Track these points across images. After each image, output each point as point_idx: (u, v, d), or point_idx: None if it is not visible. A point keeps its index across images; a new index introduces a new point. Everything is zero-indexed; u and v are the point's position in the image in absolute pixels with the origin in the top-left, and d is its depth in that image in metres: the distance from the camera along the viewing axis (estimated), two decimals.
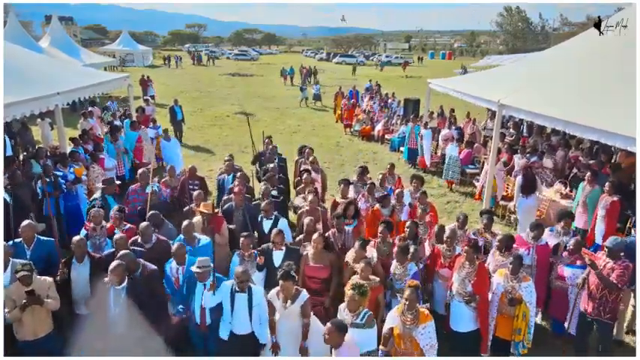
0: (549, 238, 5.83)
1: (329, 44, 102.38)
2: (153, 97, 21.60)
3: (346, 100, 19.36)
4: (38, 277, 4.46)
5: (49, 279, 4.54)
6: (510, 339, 4.90)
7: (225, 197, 7.02)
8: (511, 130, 13.08)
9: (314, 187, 7.35)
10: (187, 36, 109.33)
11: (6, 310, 4.26)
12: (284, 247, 5.29)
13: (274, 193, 7.21)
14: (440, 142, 13.06)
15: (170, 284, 4.93)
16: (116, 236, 5.14)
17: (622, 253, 5.04)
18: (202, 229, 5.77)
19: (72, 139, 9.92)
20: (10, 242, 5.03)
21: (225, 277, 4.87)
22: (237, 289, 4.46)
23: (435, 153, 13.25)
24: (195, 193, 6.52)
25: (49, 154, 9.47)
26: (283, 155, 9.66)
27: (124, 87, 12.68)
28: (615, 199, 6.78)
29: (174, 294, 4.94)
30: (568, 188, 8.70)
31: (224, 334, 4.59)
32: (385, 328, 4.38)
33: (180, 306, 4.70)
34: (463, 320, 4.98)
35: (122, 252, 4.67)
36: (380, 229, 5.67)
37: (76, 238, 4.91)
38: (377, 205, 6.73)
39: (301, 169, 8.36)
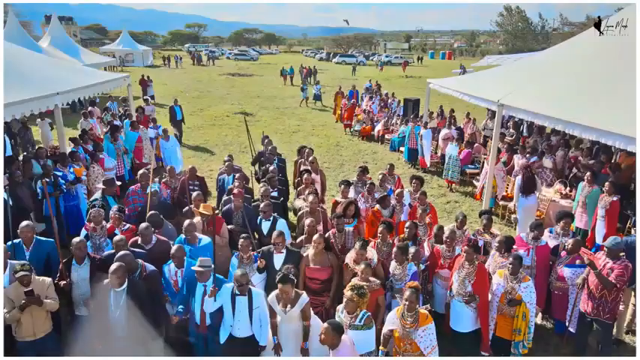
0: (549, 239, 5.83)
1: (329, 44, 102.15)
2: (152, 97, 21.59)
3: (346, 100, 19.35)
4: (37, 277, 4.45)
5: (48, 279, 4.53)
6: (511, 339, 4.90)
7: (224, 198, 7.02)
8: (511, 130, 13.08)
9: (314, 188, 7.35)
10: (187, 36, 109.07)
11: (5, 310, 4.25)
12: (284, 250, 5.27)
13: (274, 194, 7.21)
14: (439, 142, 13.06)
15: (169, 286, 4.91)
16: (116, 237, 5.13)
17: (622, 253, 5.05)
18: (202, 230, 5.77)
19: (72, 139, 9.92)
20: (9, 243, 5.02)
21: (225, 279, 4.87)
22: (237, 292, 4.45)
23: (435, 153, 13.25)
24: (193, 194, 6.52)
25: (48, 154, 9.48)
26: (283, 155, 9.67)
27: (124, 87, 12.69)
28: (615, 199, 6.79)
29: (172, 296, 4.92)
30: (568, 188, 8.71)
31: (223, 338, 4.58)
32: (385, 330, 4.38)
33: (180, 307, 4.69)
34: (463, 320, 4.99)
35: (121, 253, 4.66)
36: (380, 229, 5.67)
37: (75, 240, 4.90)
38: (377, 206, 6.73)
39: (301, 169, 8.35)
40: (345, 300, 4.25)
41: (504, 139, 11.23)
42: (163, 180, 7.75)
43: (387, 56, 62.87)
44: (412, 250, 5.25)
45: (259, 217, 6.18)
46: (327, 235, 5.74)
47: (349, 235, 5.75)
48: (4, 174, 7.16)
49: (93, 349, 4.31)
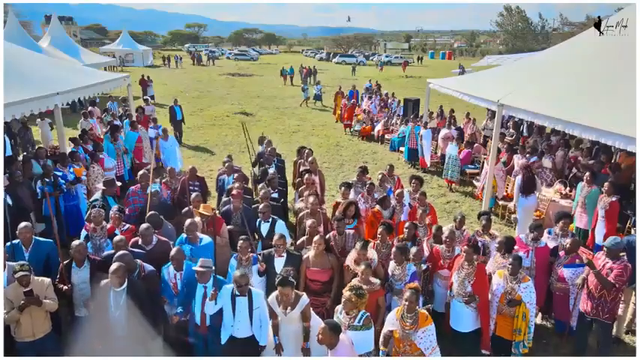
0: (548, 240, 5.82)
1: (329, 44, 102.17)
2: (152, 97, 21.59)
3: (346, 100, 19.35)
4: (36, 277, 4.44)
5: (47, 280, 4.53)
6: (511, 339, 4.90)
7: (224, 199, 7.02)
8: (511, 130, 13.08)
9: (315, 189, 7.34)
10: (187, 36, 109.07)
11: (4, 311, 4.25)
12: (285, 254, 5.25)
13: (274, 195, 7.20)
14: (439, 142, 13.07)
15: (168, 289, 4.90)
16: (116, 238, 5.13)
17: (622, 253, 5.05)
18: (202, 230, 5.77)
19: (72, 139, 9.92)
20: (8, 244, 5.02)
21: (224, 280, 4.87)
22: (237, 292, 4.45)
23: (435, 153, 13.25)
24: (192, 195, 6.52)
25: (48, 154, 9.49)
26: (283, 156, 9.67)
27: (124, 87, 12.68)
28: (614, 199, 6.78)
29: (171, 298, 4.91)
30: (568, 188, 8.71)
31: (224, 339, 4.58)
32: (385, 330, 4.38)
33: (180, 308, 4.69)
34: (463, 320, 4.99)
35: (120, 252, 4.66)
36: (379, 230, 5.67)
37: (75, 243, 4.88)
38: (377, 207, 6.73)
39: (301, 169, 8.34)
40: (343, 300, 4.25)
41: (504, 139, 11.23)
42: (163, 180, 7.75)
43: (387, 56, 62.87)
44: (413, 250, 5.25)
45: (258, 220, 6.17)
46: (327, 236, 5.74)
47: (349, 237, 5.74)
48: (4, 174, 7.16)
49: (93, 349, 4.31)
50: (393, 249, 5.18)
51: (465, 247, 4.96)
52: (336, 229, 5.75)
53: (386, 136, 15.87)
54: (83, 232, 5.75)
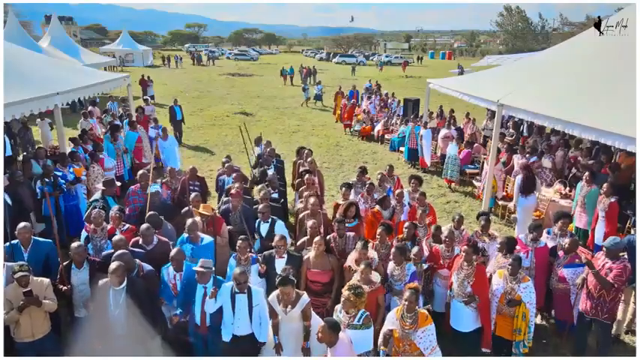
0: (547, 240, 5.82)
1: (329, 44, 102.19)
2: (152, 97, 21.59)
3: (346, 100, 19.35)
4: (35, 278, 4.44)
5: (47, 280, 4.53)
6: (511, 339, 4.90)
7: (224, 199, 7.02)
8: (511, 130, 13.08)
9: (316, 189, 7.34)
10: (187, 36, 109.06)
11: (3, 311, 4.25)
12: (286, 255, 5.25)
13: (274, 196, 7.20)
14: (439, 142, 13.07)
15: (167, 289, 4.89)
16: (115, 237, 5.13)
17: (622, 253, 5.05)
18: (202, 230, 5.77)
19: (71, 139, 9.92)
20: (7, 244, 5.02)
21: (224, 280, 4.87)
22: (236, 290, 4.46)
23: (435, 153, 13.25)
24: (192, 195, 6.52)
25: (48, 154, 9.49)
26: (283, 156, 9.66)
27: (124, 87, 12.68)
28: (613, 200, 6.78)
29: (170, 299, 4.91)
30: (567, 188, 8.71)
31: (227, 337, 4.58)
32: (385, 329, 4.38)
33: (179, 309, 4.68)
34: (463, 320, 4.99)
35: (119, 252, 4.66)
36: (378, 231, 5.67)
37: (74, 244, 4.88)
38: (377, 207, 6.73)
39: (301, 170, 8.34)
40: (342, 299, 4.25)
41: (504, 139, 11.23)
42: (163, 180, 7.75)
43: (387, 56, 62.85)
44: (414, 250, 5.25)
45: (258, 220, 6.17)
46: (327, 237, 5.75)
47: (349, 239, 5.74)
48: (4, 174, 7.16)
49: (93, 349, 4.31)
50: (393, 249, 5.19)
51: (465, 247, 4.96)
52: (337, 231, 5.75)
53: (386, 136, 15.87)
54: (83, 233, 5.75)
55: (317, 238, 5.22)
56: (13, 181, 7.01)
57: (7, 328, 4.38)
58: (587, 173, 7.51)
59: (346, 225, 5.91)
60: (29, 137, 11.99)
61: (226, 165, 8.14)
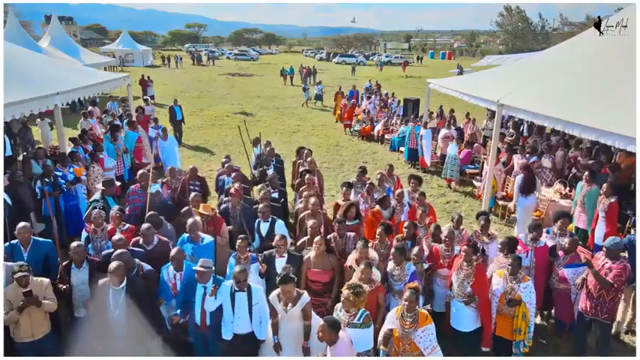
0: (546, 239, 5.82)
1: (329, 44, 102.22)
2: (152, 97, 21.60)
3: (346, 100, 19.35)
4: (35, 278, 4.44)
5: (46, 280, 4.53)
6: (511, 339, 4.90)
7: (224, 199, 7.02)
8: (511, 130, 13.09)
9: (316, 189, 7.34)
10: (187, 36, 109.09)
11: (3, 311, 4.25)
12: (286, 255, 5.26)
13: (275, 195, 7.20)
14: (439, 141, 13.07)
15: (167, 289, 4.89)
16: (115, 237, 5.13)
17: (622, 253, 5.04)
18: (202, 230, 5.77)
19: (71, 139, 9.93)
20: (7, 244, 5.02)
21: (223, 279, 4.87)
22: (236, 289, 4.47)
23: (435, 153, 13.26)
24: (191, 195, 6.52)
25: (48, 154, 9.49)
26: (282, 156, 9.65)
27: (124, 87, 12.68)
28: (613, 200, 6.78)
29: (169, 298, 4.90)
30: (567, 188, 8.71)
31: (227, 335, 4.59)
32: (385, 329, 4.38)
33: (178, 310, 4.68)
34: (464, 319, 4.98)
35: (118, 251, 4.66)
36: (378, 231, 5.67)
37: (74, 244, 4.88)
38: (377, 207, 6.73)
39: (301, 170, 8.34)
40: (342, 299, 4.26)
41: (504, 139, 11.23)
42: (164, 180, 7.76)
43: (387, 56, 62.86)
44: (415, 250, 5.25)
45: (257, 219, 6.17)
46: (328, 237, 5.75)
47: (350, 240, 5.74)
48: (4, 174, 7.16)
49: (93, 349, 4.31)
50: (392, 249, 5.19)
51: (465, 247, 4.95)
52: (337, 231, 5.75)
53: (386, 136, 15.87)
54: (84, 234, 5.75)
55: (317, 238, 5.22)
56: (13, 181, 7.01)
57: (6, 329, 4.37)
58: (586, 173, 7.51)
59: (346, 224, 5.91)
60: (29, 137, 11.99)
61: (226, 165, 8.14)
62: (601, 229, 6.88)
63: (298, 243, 5.87)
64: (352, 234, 5.83)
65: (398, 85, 32.87)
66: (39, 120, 12.46)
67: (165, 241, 5.47)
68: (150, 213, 5.76)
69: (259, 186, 7.27)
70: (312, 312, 4.56)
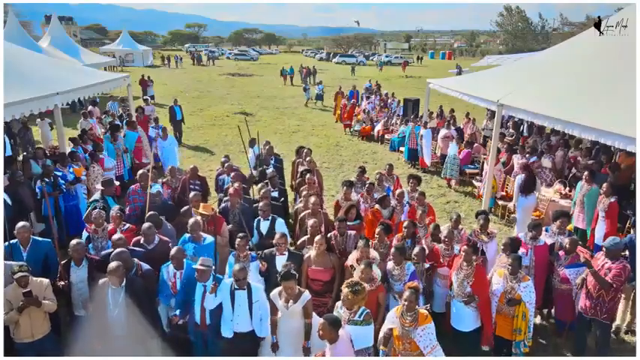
0: (545, 237, 5.83)
1: (329, 44, 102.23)
2: (152, 97, 21.60)
3: (346, 100, 19.35)
4: (35, 278, 4.44)
5: (46, 280, 4.52)
6: (511, 339, 4.90)
7: (224, 199, 7.02)
8: (511, 130, 13.09)
9: (317, 189, 7.34)
10: (187, 36, 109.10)
11: (3, 312, 4.25)
12: (286, 252, 5.27)
13: (275, 194, 7.20)
14: (439, 141, 13.07)
15: (166, 288, 4.89)
16: (115, 236, 5.14)
17: (623, 253, 5.04)
18: (202, 230, 5.77)
19: (71, 139, 9.93)
20: (6, 244, 5.02)
21: (223, 277, 4.87)
22: (236, 286, 4.47)
23: (435, 153, 13.26)
24: (191, 194, 6.52)
25: (48, 154, 9.49)
26: (282, 156, 9.64)
27: (124, 87, 12.68)
28: (613, 200, 6.78)
29: (168, 297, 4.90)
30: (567, 188, 8.71)
31: (227, 333, 4.59)
32: (384, 329, 4.38)
33: (178, 310, 4.68)
34: (464, 319, 4.98)
35: (117, 250, 4.66)
36: (377, 230, 5.67)
37: (73, 242, 4.88)
38: (377, 206, 6.74)
39: (301, 170, 8.34)
40: (342, 297, 4.27)
41: (504, 139, 11.24)
42: (164, 180, 7.76)
43: (387, 56, 62.86)
44: (416, 249, 5.25)
45: (257, 218, 6.17)
46: (328, 235, 5.76)
47: (350, 238, 5.75)
48: (4, 174, 7.16)
49: (93, 349, 4.31)
50: (392, 249, 5.18)
51: (464, 247, 4.95)
52: (338, 230, 5.76)
53: (386, 136, 15.87)
54: (84, 234, 5.76)
55: (318, 237, 5.22)
56: (13, 181, 7.00)
57: (6, 329, 4.37)
58: (586, 173, 7.52)
59: (347, 224, 5.91)
60: (29, 137, 11.99)
61: (226, 165, 8.15)
62: (601, 229, 6.88)
63: (298, 242, 5.88)
64: (353, 232, 5.83)
65: (398, 85, 32.87)
66: (39, 120, 12.46)
67: (166, 240, 5.47)
68: (150, 213, 5.76)
69: (259, 185, 7.27)
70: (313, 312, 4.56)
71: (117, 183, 7.90)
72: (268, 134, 15.24)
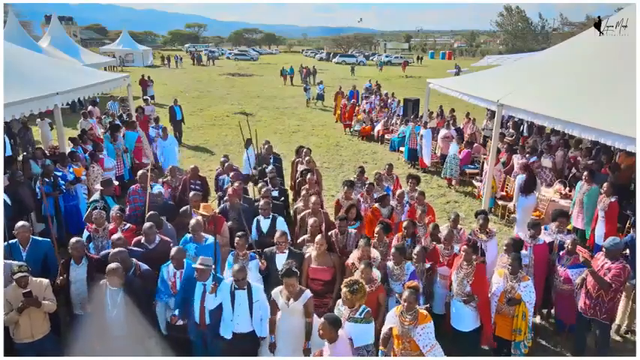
0: (544, 236, 5.83)
1: (329, 44, 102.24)
2: (152, 97, 21.59)
3: (346, 100, 19.35)
4: (34, 278, 4.44)
5: (46, 281, 4.53)
6: (510, 339, 4.90)
7: (224, 198, 7.02)
8: (510, 130, 13.09)
9: (317, 189, 7.34)
10: (187, 36, 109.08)
11: (3, 312, 4.24)
12: (287, 250, 5.27)
13: (275, 193, 7.20)
14: (439, 141, 13.07)
15: (166, 288, 4.89)
16: (114, 236, 5.14)
17: (625, 251, 5.04)
18: (203, 230, 5.77)
19: (71, 139, 9.93)
20: (5, 244, 5.02)
21: (223, 277, 4.87)
22: (236, 286, 4.47)
23: (435, 153, 13.26)
24: (190, 194, 6.52)
25: (48, 154, 9.49)
26: (282, 155, 9.63)
27: (124, 87, 12.68)
28: (613, 200, 6.78)
29: (167, 298, 4.90)
30: (567, 188, 8.71)
31: (227, 334, 4.59)
32: (385, 329, 4.38)
33: (177, 310, 4.68)
34: (464, 319, 4.98)
35: (115, 250, 4.66)
36: (376, 229, 5.67)
37: (73, 240, 4.88)
38: (376, 205, 6.74)
39: (301, 169, 8.34)
40: (341, 296, 4.27)
41: (504, 139, 11.24)
42: (164, 179, 7.76)
43: (387, 56, 62.84)
44: (417, 249, 5.25)
45: (256, 217, 6.16)
46: (329, 233, 5.76)
47: (351, 237, 5.75)
48: (4, 174, 7.16)
49: (92, 349, 4.31)
50: (392, 250, 5.19)
51: (464, 247, 4.96)
52: (338, 228, 5.77)
53: (386, 136, 15.87)
54: (85, 233, 5.76)
55: (318, 238, 5.23)
56: (13, 181, 7.01)
57: (6, 329, 4.37)
58: (586, 172, 7.52)
59: (347, 225, 5.90)
60: (29, 137, 12.00)
61: (225, 165, 8.14)
62: (601, 229, 6.88)
63: (298, 241, 5.88)
64: (354, 231, 5.84)
65: (398, 85, 32.87)
66: (39, 120, 12.46)
67: (167, 240, 5.47)
68: (150, 212, 5.76)
69: (260, 184, 7.28)
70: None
71: (116, 183, 7.90)
72: (268, 134, 15.24)
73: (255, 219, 6.17)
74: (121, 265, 4.34)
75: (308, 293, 4.42)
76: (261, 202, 6.18)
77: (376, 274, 4.84)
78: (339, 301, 4.42)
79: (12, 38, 14.84)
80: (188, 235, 5.50)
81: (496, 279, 5.00)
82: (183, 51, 75.26)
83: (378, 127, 16.48)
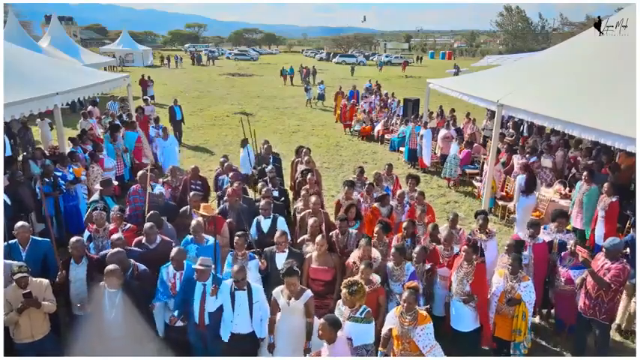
0: (543, 235, 5.83)
1: (329, 44, 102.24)
2: (152, 97, 21.59)
3: (346, 100, 19.35)
4: (34, 279, 4.44)
5: (46, 281, 4.52)
6: (510, 339, 4.90)
7: (224, 197, 7.02)
8: (510, 130, 13.08)
9: (317, 189, 7.34)
10: (187, 36, 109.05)
11: (3, 312, 4.24)
12: (287, 250, 5.28)
13: (275, 194, 7.20)
14: (439, 142, 13.07)
15: (166, 289, 4.88)
16: (114, 236, 5.13)
17: (625, 250, 5.03)
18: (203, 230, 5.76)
19: (71, 140, 9.92)
20: (5, 244, 5.01)
21: (223, 277, 4.87)
22: (236, 287, 4.47)
23: (435, 153, 13.26)
24: (190, 194, 6.51)
25: (48, 154, 9.49)
26: (282, 155, 9.63)
27: (124, 87, 12.68)
28: (614, 200, 6.78)
29: (167, 298, 4.90)
30: (567, 188, 8.70)
31: (225, 336, 4.58)
32: (384, 329, 4.38)
33: (176, 311, 4.68)
34: (464, 319, 4.98)
35: (113, 250, 4.66)
36: (376, 229, 5.67)
37: (73, 239, 4.89)
38: (376, 204, 6.74)
39: (301, 169, 8.34)
40: (342, 297, 4.27)
41: (504, 139, 11.24)
42: (165, 179, 7.75)
43: (387, 56, 62.86)
44: (417, 249, 5.25)
45: (256, 217, 6.16)
46: (330, 234, 5.76)
47: (351, 237, 5.75)
48: (4, 174, 7.16)
49: (92, 349, 4.31)
50: (392, 250, 5.18)
51: (465, 246, 4.96)
52: (339, 228, 5.77)
53: (386, 136, 15.87)
54: (86, 233, 5.76)
55: (319, 238, 5.23)
56: (13, 181, 7.00)
57: (6, 329, 4.37)
58: (586, 172, 7.52)
59: (348, 225, 5.90)
60: (29, 137, 12.00)
61: (225, 165, 8.14)
62: (601, 229, 6.88)
63: (298, 241, 5.88)
64: (354, 231, 5.84)
65: (398, 85, 32.87)
66: (39, 120, 12.46)
67: (167, 240, 5.47)
68: (151, 212, 5.76)
69: (259, 184, 7.28)
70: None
71: (116, 183, 7.90)
72: (268, 134, 15.23)
73: (256, 219, 6.16)
74: (119, 267, 4.34)
75: (309, 293, 4.42)
76: (262, 202, 6.18)
77: (376, 278, 4.83)
78: (340, 301, 4.43)
79: (12, 38, 14.83)
80: (189, 236, 5.50)
81: (496, 279, 5.00)
82: (183, 51, 75.24)
83: (378, 127, 16.48)
